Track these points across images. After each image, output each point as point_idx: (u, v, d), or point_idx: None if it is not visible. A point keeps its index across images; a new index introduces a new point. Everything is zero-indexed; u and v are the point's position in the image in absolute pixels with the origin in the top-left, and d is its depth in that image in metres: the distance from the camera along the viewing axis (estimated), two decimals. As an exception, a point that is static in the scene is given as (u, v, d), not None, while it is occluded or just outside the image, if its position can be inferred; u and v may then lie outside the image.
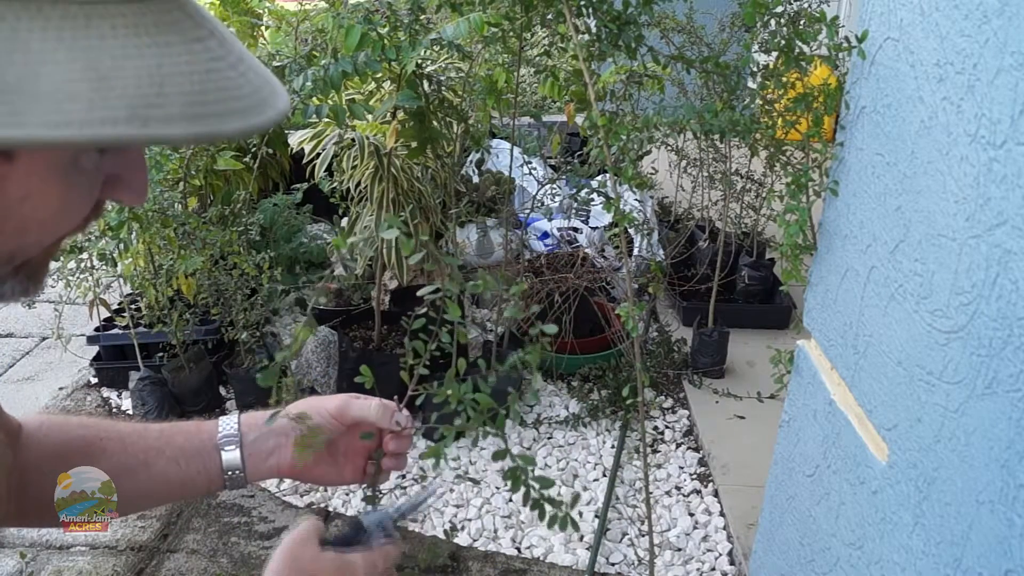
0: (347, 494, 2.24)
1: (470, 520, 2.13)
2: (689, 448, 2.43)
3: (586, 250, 3.04)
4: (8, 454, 0.66)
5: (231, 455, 0.74)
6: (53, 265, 2.26)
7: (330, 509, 2.18)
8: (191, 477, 0.74)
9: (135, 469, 0.72)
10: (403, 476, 2.29)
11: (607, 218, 3.40)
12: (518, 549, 2.04)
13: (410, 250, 0.72)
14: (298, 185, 3.03)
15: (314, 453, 0.77)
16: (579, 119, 2.43)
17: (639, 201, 3.27)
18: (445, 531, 2.09)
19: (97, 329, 2.69)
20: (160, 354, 2.54)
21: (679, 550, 2.02)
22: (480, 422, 0.73)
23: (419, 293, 0.74)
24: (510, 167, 2.59)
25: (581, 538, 2.07)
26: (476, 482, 2.28)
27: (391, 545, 0.72)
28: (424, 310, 0.73)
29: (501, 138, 3.31)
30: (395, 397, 0.80)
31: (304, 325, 0.68)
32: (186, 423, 0.76)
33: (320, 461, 0.78)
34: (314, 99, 1.92)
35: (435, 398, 0.75)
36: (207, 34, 0.38)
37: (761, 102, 1.94)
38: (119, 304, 2.65)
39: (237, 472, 0.74)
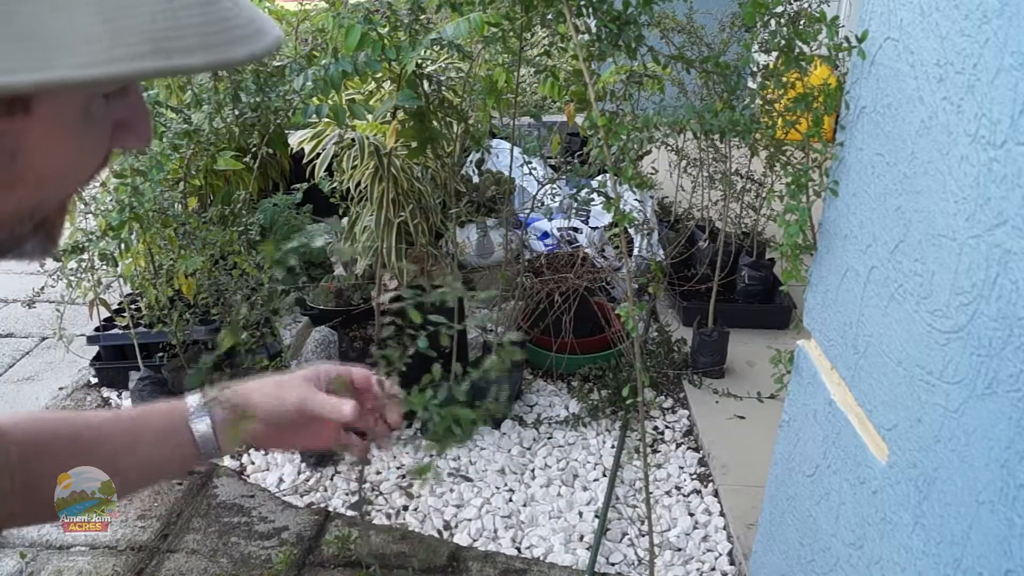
0: (347, 494, 2.25)
1: (470, 520, 2.13)
2: (689, 448, 2.43)
3: (586, 250, 3.04)
4: (12, 451, 0.66)
5: (202, 428, 0.75)
6: (54, 265, 2.26)
7: (330, 509, 2.19)
8: (167, 457, 0.75)
9: (114, 458, 0.72)
10: (403, 477, 2.29)
11: (607, 218, 3.40)
12: (518, 549, 2.04)
13: (349, 255, 0.73)
14: (298, 185, 3.03)
15: (283, 425, 0.78)
16: (579, 119, 2.43)
17: (639, 201, 3.27)
18: (439, 530, 2.09)
19: (97, 329, 2.69)
20: (160, 354, 2.54)
21: (679, 550, 2.02)
22: (446, 428, 0.74)
23: (379, 300, 0.75)
24: (510, 167, 2.59)
25: (581, 538, 2.07)
26: (468, 479, 2.28)
27: None
28: (389, 320, 0.73)
29: (501, 138, 3.31)
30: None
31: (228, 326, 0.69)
32: (158, 405, 0.77)
33: (288, 432, 0.80)
34: (314, 99, 1.92)
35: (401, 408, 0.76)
36: None
37: (761, 102, 1.94)
38: (119, 304, 2.65)
39: (210, 444, 0.76)
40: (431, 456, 0.76)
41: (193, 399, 0.77)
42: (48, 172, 0.41)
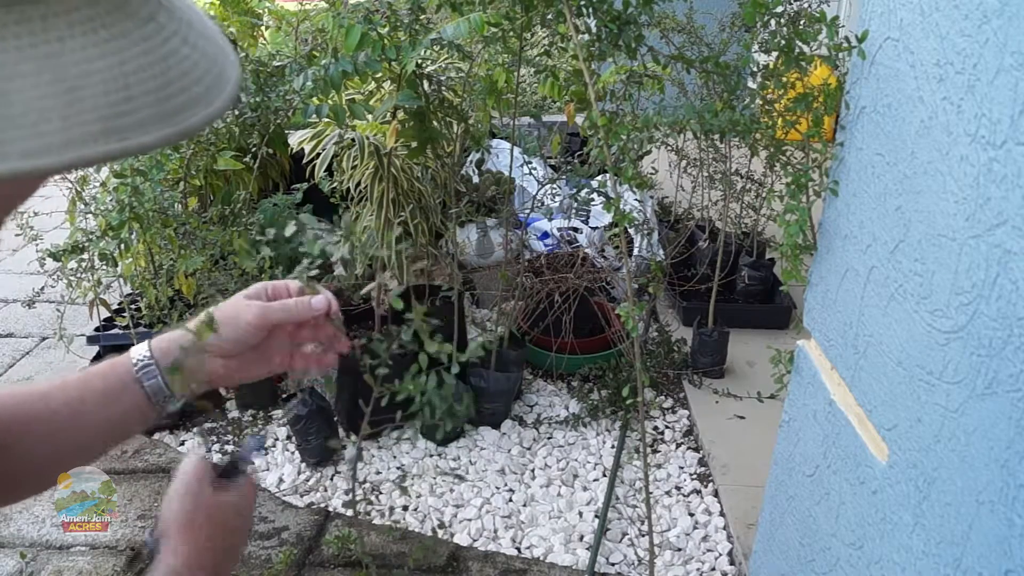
0: (347, 493, 2.24)
1: (470, 520, 2.13)
2: (689, 448, 2.43)
3: (586, 250, 3.04)
4: None
5: (153, 384, 0.73)
6: (54, 266, 2.26)
7: (330, 509, 2.18)
8: (121, 416, 0.73)
9: (64, 426, 0.71)
10: (403, 478, 2.29)
11: (607, 218, 3.40)
12: (518, 549, 2.04)
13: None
14: (298, 185, 3.03)
15: (241, 354, 0.76)
16: (579, 119, 2.43)
17: (639, 201, 3.27)
18: (433, 529, 2.09)
19: (97, 329, 2.69)
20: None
21: (679, 550, 2.02)
22: (445, 406, 0.75)
23: (379, 300, 0.76)
24: (510, 167, 2.59)
25: (581, 538, 2.07)
26: (461, 478, 2.28)
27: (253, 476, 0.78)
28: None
29: (501, 138, 3.31)
30: (359, 401, 0.81)
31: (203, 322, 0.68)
32: (100, 365, 0.75)
33: (247, 361, 0.78)
34: (314, 99, 1.92)
35: (398, 396, 0.76)
36: (156, 6, 0.35)
37: (761, 102, 1.94)
38: (119, 304, 2.65)
39: (164, 396, 0.74)
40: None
41: (137, 351, 0.74)
42: None
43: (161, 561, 0.68)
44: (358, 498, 2.21)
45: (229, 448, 2.43)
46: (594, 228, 3.45)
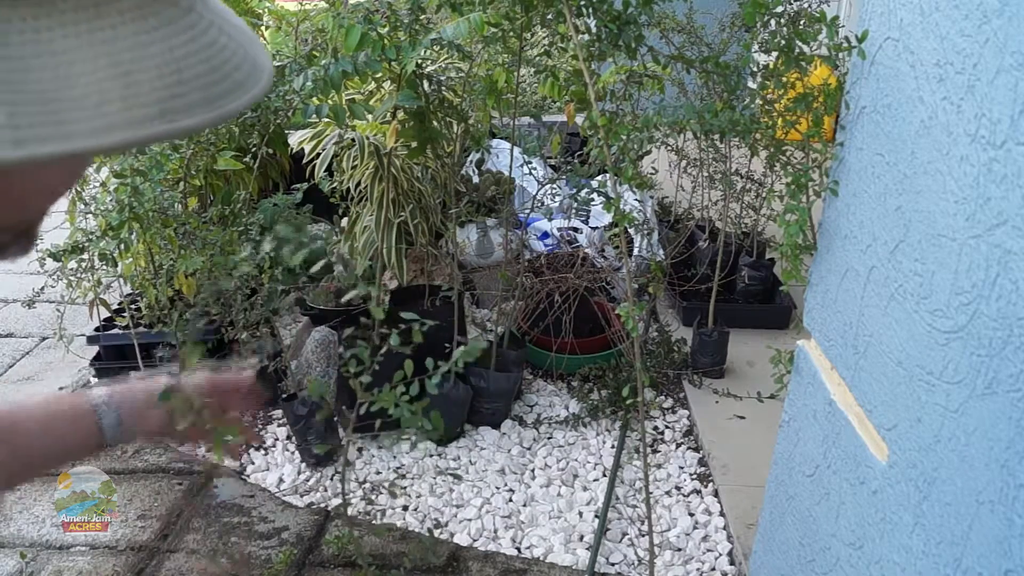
0: (336, 496, 2.24)
1: (470, 520, 2.13)
2: (689, 448, 2.43)
3: (586, 250, 3.04)
4: None
5: (109, 420, 0.81)
6: (54, 266, 2.26)
7: (330, 509, 2.19)
8: (73, 444, 0.82)
9: (28, 446, 0.78)
10: (393, 484, 2.29)
11: (607, 218, 3.40)
12: (518, 549, 2.04)
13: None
14: (298, 185, 3.03)
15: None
16: (579, 119, 2.43)
17: (639, 201, 3.27)
18: (430, 529, 2.09)
19: (97, 329, 2.69)
20: (160, 354, 2.53)
21: (679, 550, 2.02)
22: (416, 423, 0.75)
23: (343, 299, 0.77)
24: (510, 167, 2.59)
25: (581, 538, 2.07)
26: (458, 478, 2.28)
27: None
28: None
29: (501, 138, 3.31)
30: (343, 407, 0.83)
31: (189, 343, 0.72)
32: (62, 397, 0.85)
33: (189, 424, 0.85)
34: (314, 99, 1.92)
35: (372, 407, 0.77)
36: None
37: (761, 102, 1.94)
38: (119, 304, 2.65)
39: (115, 433, 0.82)
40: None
41: (98, 393, 0.82)
42: (38, 190, 0.40)
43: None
44: (358, 498, 2.21)
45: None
46: (594, 228, 3.45)
